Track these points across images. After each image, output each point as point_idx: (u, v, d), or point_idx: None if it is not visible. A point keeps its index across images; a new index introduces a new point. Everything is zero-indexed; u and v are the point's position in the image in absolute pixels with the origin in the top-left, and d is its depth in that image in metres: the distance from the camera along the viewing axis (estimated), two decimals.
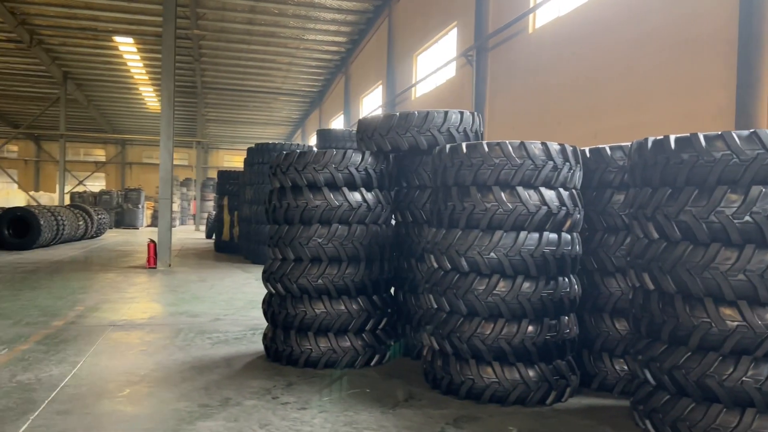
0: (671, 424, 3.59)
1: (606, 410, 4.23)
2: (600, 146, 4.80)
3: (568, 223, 4.42)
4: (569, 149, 4.44)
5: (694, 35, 8.10)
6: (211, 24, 25.31)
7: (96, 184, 47.57)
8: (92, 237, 22.29)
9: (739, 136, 3.43)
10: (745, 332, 3.38)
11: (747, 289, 3.39)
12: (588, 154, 4.84)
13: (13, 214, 16.53)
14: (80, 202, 33.12)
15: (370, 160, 5.18)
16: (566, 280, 4.46)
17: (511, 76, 13.38)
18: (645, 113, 9.06)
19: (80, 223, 20.20)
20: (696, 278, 3.49)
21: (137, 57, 29.39)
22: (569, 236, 4.46)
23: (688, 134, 3.59)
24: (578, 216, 4.51)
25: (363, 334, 5.17)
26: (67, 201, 32.42)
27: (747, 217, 3.38)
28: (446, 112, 5.20)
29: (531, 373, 4.29)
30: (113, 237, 23.77)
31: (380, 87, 23.95)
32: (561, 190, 4.39)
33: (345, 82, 29.92)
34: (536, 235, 4.30)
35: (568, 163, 4.41)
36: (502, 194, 4.28)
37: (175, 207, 37.70)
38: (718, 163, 3.45)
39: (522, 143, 4.31)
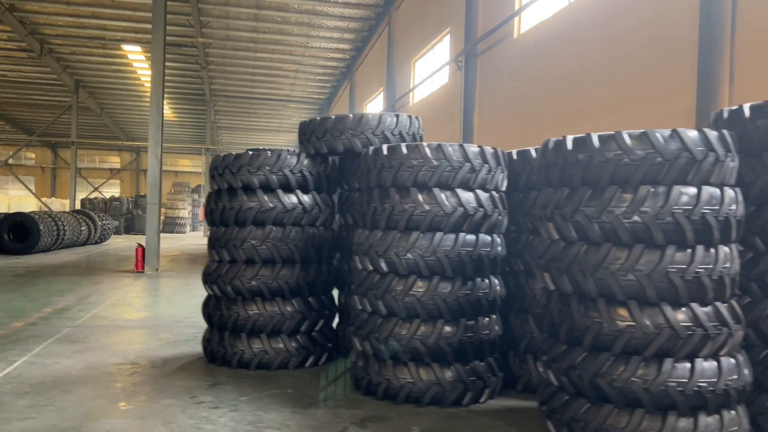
0: (567, 425, 3.57)
1: (522, 412, 4.21)
2: (527, 148, 4.80)
3: (486, 225, 4.42)
4: (489, 151, 4.45)
5: (665, 38, 8.05)
6: (216, 32, 25.57)
7: (111, 191, 48.21)
8: (96, 242, 22.60)
9: (630, 136, 3.42)
10: (634, 332, 3.36)
11: (636, 289, 3.37)
12: (515, 156, 4.84)
13: (13, 220, 16.84)
14: (90, 208, 33.60)
15: (306, 162, 5.23)
16: (486, 281, 4.45)
17: (499, 81, 13.36)
18: (621, 116, 9.00)
19: (83, 228, 20.50)
20: (589, 278, 3.48)
21: (146, 65, 29.79)
22: (489, 237, 4.46)
23: (584, 134, 3.59)
24: (499, 217, 4.50)
25: (297, 336, 5.20)
26: (78, 207, 32.90)
27: (635, 217, 3.37)
28: (381, 115, 5.23)
29: (447, 373, 4.29)
30: (118, 242, 24.06)
31: (382, 93, 24.03)
32: (479, 191, 4.40)
33: (350, 89, 30.08)
34: (452, 236, 4.30)
35: (487, 165, 4.41)
36: (419, 195, 4.30)
37: (186, 213, 38.04)
38: (610, 163, 3.44)
39: (439, 145, 4.32)
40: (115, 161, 52.74)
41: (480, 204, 4.37)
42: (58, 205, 36.32)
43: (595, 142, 3.51)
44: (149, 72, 30.88)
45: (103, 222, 23.01)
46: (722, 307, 3.41)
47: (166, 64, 29.94)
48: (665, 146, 3.39)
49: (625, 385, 3.36)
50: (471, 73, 14.59)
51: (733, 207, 3.44)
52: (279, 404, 4.20)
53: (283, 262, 5.15)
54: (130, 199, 35.59)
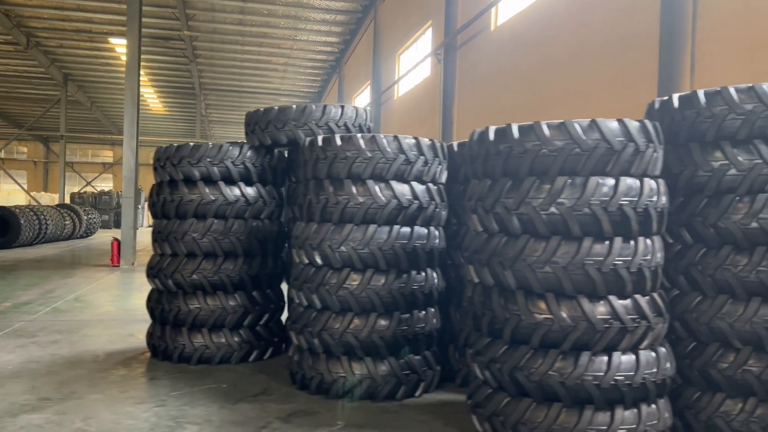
0: (489, 419, 3.53)
1: (455, 406, 4.17)
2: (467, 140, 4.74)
3: (422, 217, 4.36)
4: (425, 143, 4.39)
5: (629, 31, 7.98)
6: (203, 25, 25.42)
7: (104, 186, 48.07)
8: (82, 237, 22.53)
9: (549, 126, 3.37)
10: (551, 325, 3.31)
11: (553, 281, 3.32)
12: (455, 148, 4.78)
13: None
14: (80, 203, 33.52)
15: (249, 154, 5.16)
16: (422, 273, 4.40)
17: (477, 74, 13.28)
18: (588, 109, 8.93)
19: (67, 222, 20.41)
20: (508, 270, 3.43)
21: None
22: (425, 230, 4.40)
23: (504, 126, 3.53)
24: (436, 210, 4.45)
25: (240, 331, 5.15)
26: (67, 201, 32.80)
27: (552, 209, 3.31)
28: (325, 106, 5.16)
29: (380, 367, 4.24)
30: (104, 236, 23.98)
31: (369, 86, 23.94)
32: (415, 183, 4.34)
33: (339, 82, 29.98)
34: (386, 229, 4.24)
35: (423, 157, 4.35)
36: (353, 187, 4.24)
37: None
38: (529, 154, 3.39)
39: (373, 136, 4.26)
40: (107, 155, 52.54)
41: (415, 196, 4.31)
42: (48, 199, 36.21)
43: (515, 132, 3.45)
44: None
45: (89, 216, 22.92)
46: (642, 300, 3.36)
47: (154, 57, 29.96)
48: (583, 137, 3.33)
49: (543, 378, 3.32)
50: (450, 66, 14.51)
51: (654, 198, 3.38)
52: (209, 399, 4.15)
53: (225, 256, 5.09)
54: (120, 193, 35.45)
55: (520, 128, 3.45)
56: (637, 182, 3.37)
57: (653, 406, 3.40)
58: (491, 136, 3.59)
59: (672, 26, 7.00)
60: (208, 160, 5.04)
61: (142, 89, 35.30)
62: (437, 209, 4.47)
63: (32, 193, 37.20)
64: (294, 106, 5.13)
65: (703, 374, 3.61)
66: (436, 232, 4.51)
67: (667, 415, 3.48)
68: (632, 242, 3.34)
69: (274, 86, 34.77)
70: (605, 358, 3.30)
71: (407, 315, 4.31)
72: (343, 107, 5.21)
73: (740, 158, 3.50)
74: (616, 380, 3.27)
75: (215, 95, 36.42)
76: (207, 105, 38.35)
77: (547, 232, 3.36)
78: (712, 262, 3.56)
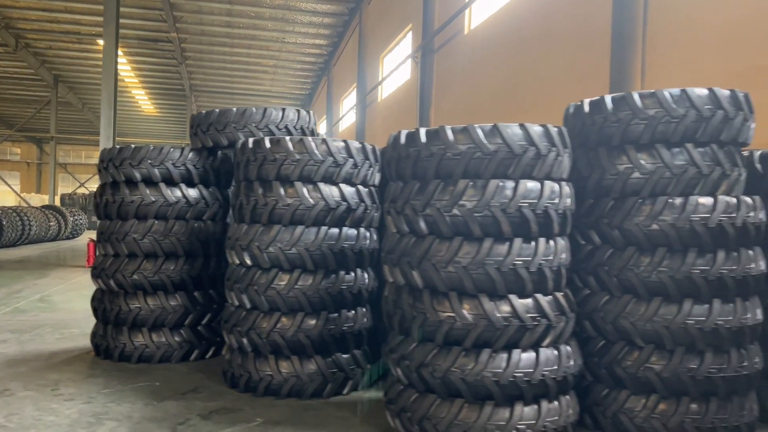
0: (398, 415, 3.61)
1: (380, 403, 4.24)
2: None
3: (350, 218, 4.45)
4: (354, 146, 4.48)
5: (585, 35, 8.08)
6: (191, 27, 25.50)
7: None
8: (68, 238, 22.59)
9: (453, 131, 3.45)
10: (453, 323, 3.40)
11: (456, 280, 3.41)
12: None
13: None
14: (70, 204, 33.61)
15: (190, 156, 5.25)
16: (351, 274, 4.49)
17: (452, 77, 13.39)
18: (553, 113, 9.02)
19: (51, 224, 20.48)
20: (415, 270, 3.51)
21: (124, 60, 29.69)
22: (354, 231, 4.49)
23: (414, 130, 3.61)
24: (366, 211, 4.54)
25: (181, 330, 5.23)
26: (57, 202, 32.84)
27: (455, 210, 3.40)
28: (265, 109, 5.24)
29: (306, 366, 4.33)
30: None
31: (355, 89, 24.03)
32: (344, 185, 4.43)
33: (328, 84, 30.09)
34: (314, 230, 4.33)
35: (352, 160, 4.44)
36: (281, 189, 4.33)
37: None
38: (435, 157, 3.47)
39: (301, 139, 4.36)
40: None
41: (344, 198, 4.40)
42: (38, 200, 36.24)
43: (422, 137, 3.54)
44: (128, 67, 30.93)
45: (75, 217, 22.99)
46: (543, 299, 3.45)
47: (144, 59, 30.00)
48: (485, 141, 3.42)
49: (446, 375, 3.40)
50: (428, 69, 14.61)
51: (555, 200, 3.47)
52: (137, 397, 4.23)
53: (166, 256, 5.18)
54: None
55: (427, 132, 3.55)
56: (538, 185, 3.46)
57: (555, 402, 3.49)
58: (402, 139, 3.69)
59: (623, 30, 7.10)
60: (149, 161, 5.12)
61: (133, 91, 35.47)
62: (368, 211, 4.56)
63: (23, 194, 37.26)
64: (234, 109, 5.22)
65: (610, 372, 3.71)
66: (367, 234, 4.60)
67: (571, 411, 3.56)
68: (532, 243, 3.43)
69: (265, 88, 34.86)
70: (505, 356, 3.39)
71: (335, 314, 4.40)
72: (284, 110, 5.29)
73: (643, 162, 3.60)
74: (515, 377, 3.36)
75: (207, 97, 36.49)
76: (199, 107, 38.39)
77: (451, 233, 3.45)
78: (617, 262, 3.67)
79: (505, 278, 3.38)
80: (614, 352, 3.70)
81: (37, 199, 36.53)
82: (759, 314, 3.68)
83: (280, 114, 5.26)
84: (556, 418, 3.47)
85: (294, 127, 5.33)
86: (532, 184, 3.43)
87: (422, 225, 3.52)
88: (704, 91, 3.59)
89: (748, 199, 3.66)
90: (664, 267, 3.53)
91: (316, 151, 4.33)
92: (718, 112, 3.57)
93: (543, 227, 3.45)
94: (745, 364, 3.59)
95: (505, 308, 3.39)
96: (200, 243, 5.28)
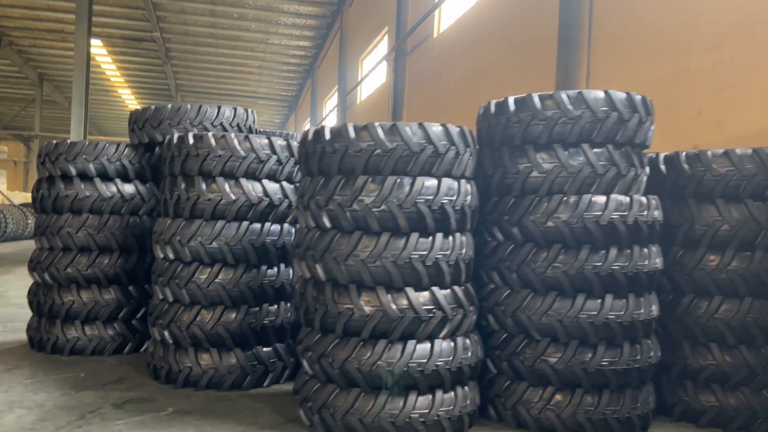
0: (301, 403, 3.71)
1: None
2: None
3: (273, 214, 4.54)
4: (279, 143, 4.57)
5: (536, 40, 8.21)
6: (175, 27, 25.53)
7: None
8: None
9: (382, 128, 3.52)
10: (351, 315, 3.49)
11: (355, 273, 3.50)
12: None
13: None
14: None
15: (126, 151, 5.33)
16: (273, 269, 4.58)
17: (422, 80, 13.52)
18: None
19: (29, 221, 20.47)
20: (319, 263, 3.60)
21: (109, 59, 29.72)
22: (278, 227, 4.58)
23: (341, 125, 3.68)
24: (290, 207, 4.63)
25: (115, 324, 5.30)
26: None
27: (355, 206, 3.49)
28: (200, 106, 5.33)
29: (226, 358, 4.41)
30: None
31: (336, 90, 24.15)
32: (266, 182, 4.52)
33: (312, 86, 30.18)
34: (235, 225, 4.42)
35: (275, 156, 4.53)
36: (203, 184, 4.42)
37: None
38: (364, 154, 3.53)
39: (224, 135, 4.44)
40: None
41: (266, 194, 4.49)
42: (22, 198, 36.10)
43: (351, 133, 3.59)
44: (113, 66, 30.92)
45: None
46: (440, 293, 3.55)
47: (128, 58, 29.96)
48: (384, 139, 3.52)
49: (343, 365, 3.50)
50: (401, 71, 14.74)
51: (453, 197, 3.59)
52: (57, 387, 4.30)
53: (100, 250, 5.25)
54: None
55: (331, 130, 3.63)
56: (435, 182, 3.56)
57: (450, 393, 3.59)
58: (310, 136, 3.77)
59: (569, 36, 7.23)
60: (84, 157, 5.20)
61: (119, 90, 35.48)
62: (292, 207, 4.65)
63: (6, 192, 37.12)
64: (170, 106, 5.30)
65: (510, 364, 3.82)
66: (292, 230, 4.69)
67: (468, 402, 3.66)
68: (429, 238, 3.54)
69: (251, 89, 34.91)
70: (400, 347, 3.49)
71: (256, 308, 4.49)
72: (219, 107, 5.39)
73: (541, 161, 3.71)
74: (409, 367, 3.46)
75: (194, 97, 36.48)
76: None
77: (351, 228, 3.55)
78: (517, 258, 3.77)
79: (402, 272, 3.48)
80: (514, 345, 3.81)
81: (22, 198, 36.39)
82: (654, 310, 3.80)
83: (216, 111, 5.35)
84: (451, 408, 3.56)
85: (230, 124, 5.42)
86: (451, 182, 3.54)
87: (325, 220, 3.62)
88: (600, 94, 3.71)
89: (642, 199, 3.77)
90: (559, 263, 3.64)
91: (239, 148, 4.42)
92: (613, 113, 3.68)
93: (439, 223, 3.56)
94: (638, 357, 3.70)
95: (402, 301, 3.49)
96: (135, 238, 5.35)
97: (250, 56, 28.82)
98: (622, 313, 3.64)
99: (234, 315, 4.41)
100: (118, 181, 5.31)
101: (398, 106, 14.77)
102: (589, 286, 3.63)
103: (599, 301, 3.64)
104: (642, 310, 3.70)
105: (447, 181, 3.57)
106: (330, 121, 26.21)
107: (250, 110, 5.61)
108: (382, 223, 3.49)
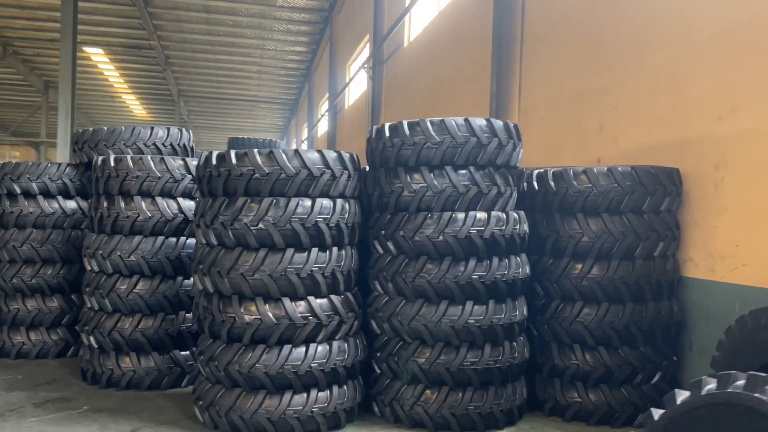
0: (207, 409, 4.05)
1: None
2: None
3: (188, 229, 4.96)
4: (192, 163, 4.98)
5: (482, 50, 8.55)
6: (172, 35, 26.06)
7: None
8: None
9: (259, 154, 3.93)
10: (259, 324, 3.88)
11: (261, 287, 3.89)
12: None
13: None
14: None
15: (67, 170, 5.78)
16: (190, 279, 4.98)
17: (396, 88, 13.89)
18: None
19: None
20: (225, 279, 3.98)
21: (111, 67, 30.37)
22: (194, 240, 4.99)
23: (223, 152, 4.08)
24: None
25: (58, 329, 5.76)
26: None
27: (261, 225, 3.89)
28: (134, 128, 5.74)
29: (144, 361, 4.83)
30: None
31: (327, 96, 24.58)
32: (181, 199, 4.93)
33: (309, 90, 30.66)
34: (152, 240, 4.84)
35: (190, 175, 4.95)
36: (122, 203, 4.84)
37: None
38: (244, 177, 3.92)
39: (141, 158, 4.87)
40: None
41: (181, 210, 4.90)
42: None
43: (232, 159, 3.99)
44: (116, 73, 31.58)
45: None
46: (315, 302, 3.95)
47: (130, 66, 30.54)
48: (288, 164, 3.92)
49: (226, 368, 3.91)
50: (378, 79, 15.11)
51: (346, 216, 4.02)
52: None
53: (44, 262, 5.70)
54: None
55: (237, 155, 4.00)
56: (330, 202, 3.98)
57: (326, 391, 3.98)
58: (213, 160, 4.15)
59: (502, 45, 7.58)
60: (27, 176, 5.66)
61: (124, 96, 36.19)
62: None
63: None
64: (105, 128, 5.73)
65: (388, 365, 4.19)
66: None
67: (344, 399, 4.05)
68: (305, 253, 3.94)
69: (252, 93, 35.43)
70: (276, 351, 3.89)
71: (173, 315, 4.91)
72: (152, 128, 5.79)
73: (410, 182, 4.08)
74: (284, 369, 3.85)
75: (196, 102, 37.10)
76: (190, 111, 39.03)
77: (233, 245, 3.95)
78: (411, 271, 4.10)
79: (278, 283, 3.88)
80: (390, 347, 4.19)
81: None
82: (517, 314, 4.17)
83: (149, 132, 5.76)
84: (325, 405, 3.96)
85: (163, 144, 5.81)
86: (326, 202, 3.95)
87: (212, 237, 4.02)
88: (460, 121, 4.07)
89: (515, 214, 4.15)
90: (450, 274, 3.97)
91: (155, 168, 4.84)
92: (472, 139, 4.04)
93: (335, 239, 3.98)
94: (499, 358, 4.07)
95: (278, 310, 3.89)
96: (77, 250, 5.79)
97: (248, 61, 29.30)
98: (482, 317, 4.01)
99: (152, 322, 4.83)
100: (60, 198, 5.75)
101: (376, 112, 15.14)
102: (451, 293, 4.01)
103: (460, 307, 4.01)
104: (502, 315, 4.07)
105: (321, 201, 3.96)
106: (322, 125, 26.66)
107: (184, 129, 6.01)
108: (260, 239, 3.90)
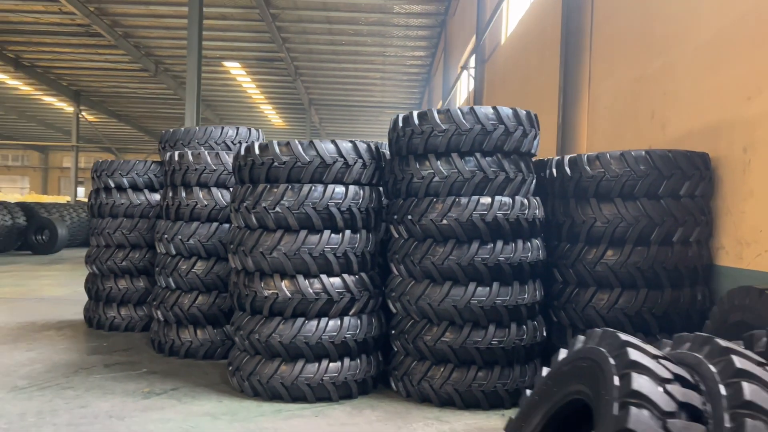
0: (234, 373, 4.52)
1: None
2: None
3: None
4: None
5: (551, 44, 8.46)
6: (299, 46, 27.59)
7: None
8: None
9: (279, 144, 4.35)
10: (276, 298, 4.30)
11: (302, 264, 4.30)
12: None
13: (39, 223, 18.18)
14: None
15: (152, 167, 6.56)
16: None
17: (495, 87, 13.90)
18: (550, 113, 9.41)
19: None
20: (248, 257, 4.42)
21: (248, 79, 32.66)
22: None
23: (250, 144, 4.53)
24: None
25: (143, 306, 6.54)
26: None
27: (277, 208, 4.31)
28: (206, 128, 6.39)
29: (201, 334, 5.40)
30: None
31: (441, 99, 24.84)
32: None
33: (429, 94, 31.09)
34: (208, 225, 5.41)
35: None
36: (183, 193, 5.45)
37: None
38: (265, 166, 4.34)
39: (199, 152, 5.45)
40: None
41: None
42: None
43: (276, 149, 4.43)
44: (253, 85, 33.87)
45: None
46: (327, 280, 4.28)
47: (265, 78, 32.59)
48: (303, 153, 4.32)
49: (249, 336, 4.34)
50: (480, 78, 15.18)
51: (359, 200, 4.33)
52: (80, 352, 5.55)
53: (132, 247, 6.52)
54: None
55: (260, 146, 4.46)
56: (342, 188, 4.31)
57: (337, 363, 4.30)
58: (242, 151, 4.63)
59: (569, 41, 7.48)
60: (119, 173, 6.49)
61: (262, 107, 38.73)
62: None
63: None
64: (182, 129, 6.43)
65: (415, 345, 4.38)
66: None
67: (357, 371, 4.34)
68: (340, 234, 4.29)
69: (377, 99, 36.52)
70: (291, 323, 4.26)
71: (225, 294, 5.44)
72: (222, 128, 6.42)
73: (419, 168, 4.29)
74: (296, 339, 4.21)
75: (326, 110, 38.88)
76: (321, 119, 40.95)
77: (274, 227, 4.36)
78: (418, 253, 4.32)
79: (293, 262, 4.25)
80: (402, 326, 4.41)
81: None
82: (537, 295, 4.24)
83: (219, 131, 6.40)
84: (336, 375, 4.28)
85: (232, 141, 6.43)
86: (338, 188, 4.31)
87: (253, 220, 4.45)
88: (489, 110, 4.21)
89: (523, 199, 4.23)
90: (454, 256, 4.16)
91: (210, 162, 5.41)
92: (500, 126, 4.17)
93: (348, 222, 4.34)
94: (524, 337, 4.17)
95: (292, 287, 4.26)
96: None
97: (371, 68, 30.30)
98: (485, 299, 4.13)
99: (207, 298, 5.40)
100: (146, 191, 6.54)
101: None
102: (454, 275, 4.16)
103: (463, 288, 4.15)
104: (507, 297, 4.16)
105: (334, 187, 4.29)
106: None
107: (253, 129, 6.59)
108: (277, 222, 4.29)
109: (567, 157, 4.43)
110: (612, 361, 1.61)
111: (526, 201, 4.25)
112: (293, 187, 4.30)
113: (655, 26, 5.59)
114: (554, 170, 4.55)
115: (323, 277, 4.30)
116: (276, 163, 4.35)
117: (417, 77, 31.78)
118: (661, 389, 1.40)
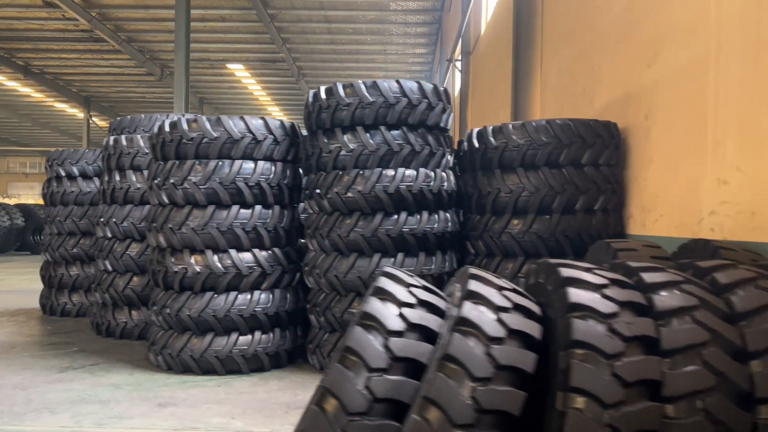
0: (150, 348, 4.61)
1: None
2: None
3: None
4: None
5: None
6: (300, 46, 27.74)
7: None
8: None
9: (209, 121, 4.43)
10: (185, 273, 4.36)
11: (210, 239, 4.37)
12: None
13: (37, 223, 18.24)
14: None
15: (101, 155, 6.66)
16: None
17: (477, 77, 13.91)
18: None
19: None
20: (176, 234, 4.47)
21: (253, 81, 32.91)
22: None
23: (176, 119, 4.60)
24: None
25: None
26: None
27: (185, 185, 4.38)
28: (151, 116, 6.49)
29: (135, 314, 5.49)
30: None
31: None
32: None
33: None
34: (140, 208, 5.50)
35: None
36: (134, 177, 5.55)
37: None
38: (194, 142, 4.42)
39: (132, 137, 5.54)
40: None
41: None
42: None
43: (184, 125, 4.50)
44: (258, 87, 34.09)
45: None
46: (236, 256, 4.33)
47: (268, 78, 32.76)
48: (210, 129, 4.38)
49: (161, 311, 4.41)
50: (465, 70, 15.18)
51: (268, 176, 4.39)
52: (33, 332, 5.67)
53: (83, 234, 6.63)
54: None
55: (187, 121, 4.51)
56: (252, 164, 4.37)
57: (248, 336, 4.35)
58: (166, 127, 4.68)
59: (520, 40, 7.48)
60: (69, 161, 6.61)
61: (269, 108, 38.99)
62: None
63: None
64: (129, 117, 6.51)
65: (326, 317, 4.41)
66: None
67: (268, 345, 4.38)
68: (250, 210, 4.35)
69: None
70: (201, 297, 4.32)
71: None
72: (168, 115, 6.50)
73: (346, 141, 4.29)
74: (204, 313, 4.27)
75: None
76: None
77: (183, 203, 4.42)
78: (326, 226, 4.36)
79: (201, 237, 4.32)
80: (327, 300, 4.42)
81: None
82: (446, 267, 4.26)
83: (165, 118, 6.47)
84: (245, 347, 4.33)
85: None
86: (247, 164, 4.35)
87: (164, 197, 4.51)
88: (393, 83, 4.24)
89: (429, 171, 4.25)
90: (359, 228, 4.20)
91: (143, 145, 5.50)
92: (403, 99, 4.19)
93: (257, 197, 4.41)
94: None
95: (203, 262, 4.33)
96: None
97: (374, 67, 30.35)
98: (413, 269, 4.15)
99: (141, 280, 5.48)
100: (96, 179, 6.65)
101: (463, 104, 15.21)
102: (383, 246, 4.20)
103: (392, 259, 4.18)
104: (432, 267, 4.21)
105: (241, 163, 4.34)
106: None
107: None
108: (186, 198, 4.36)
109: (475, 130, 4.44)
110: None
111: (432, 173, 4.26)
112: (201, 163, 4.36)
113: (587, 1, 5.58)
114: (475, 141, 4.54)
115: (232, 252, 4.35)
116: (184, 140, 4.43)
117: (420, 74, 31.76)
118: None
